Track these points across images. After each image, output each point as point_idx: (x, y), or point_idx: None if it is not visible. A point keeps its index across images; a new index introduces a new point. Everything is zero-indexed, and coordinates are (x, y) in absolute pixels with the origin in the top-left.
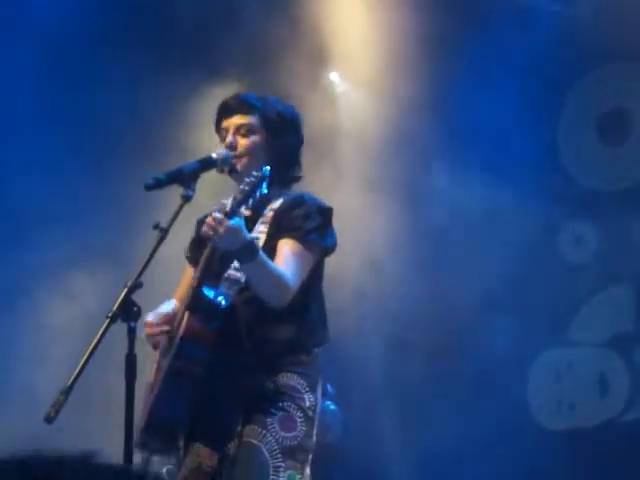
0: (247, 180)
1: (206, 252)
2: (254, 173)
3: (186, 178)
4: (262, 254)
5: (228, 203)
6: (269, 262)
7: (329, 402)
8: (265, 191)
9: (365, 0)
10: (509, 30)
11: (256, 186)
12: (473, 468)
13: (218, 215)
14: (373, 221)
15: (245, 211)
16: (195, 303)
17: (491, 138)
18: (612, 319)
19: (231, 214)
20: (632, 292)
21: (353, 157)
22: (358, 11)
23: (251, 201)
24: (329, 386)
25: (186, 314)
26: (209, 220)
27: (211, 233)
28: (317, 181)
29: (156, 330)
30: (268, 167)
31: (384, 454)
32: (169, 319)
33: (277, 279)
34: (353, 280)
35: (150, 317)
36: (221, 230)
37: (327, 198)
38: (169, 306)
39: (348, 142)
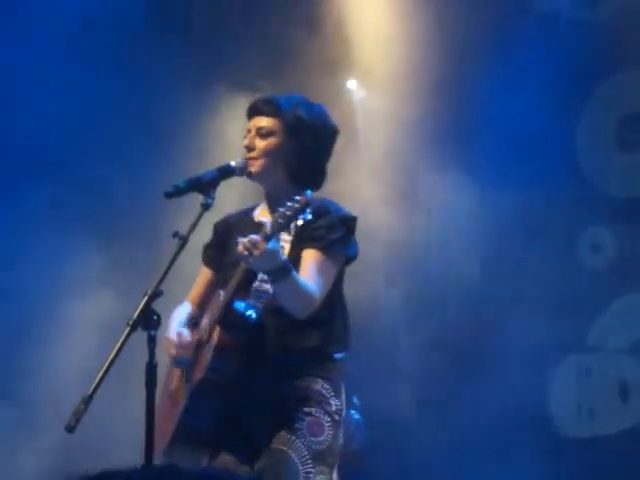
0: (289, 204)
1: (239, 271)
2: (297, 198)
3: (205, 186)
4: (294, 272)
5: (260, 215)
6: (298, 278)
7: (354, 411)
8: (309, 217)
9: (385, 7)
10: (529, 37)
11: (299, 212)
12: (489, 472)
13: (255, 237)
14: (394, 227)
15: (285, 235)
16: (226, 317)
17: (511, 144)
18: (632, 325)
19: (270, 237)
20: None
21: (372, 164)
22: (378, 18)
23: (293, 227)
24: (355, 397)
25: (217, 328)
26: (245, 241)
27: (246, 254)
28: (337, 187)
29: (181, 352)
30: (309, 191)
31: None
32: (191, 342)
33: (303, 293)
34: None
35: (172, 336)
36: (257, 253)
37: (347, 204)
38: (185, 313)
39: (367, 149)
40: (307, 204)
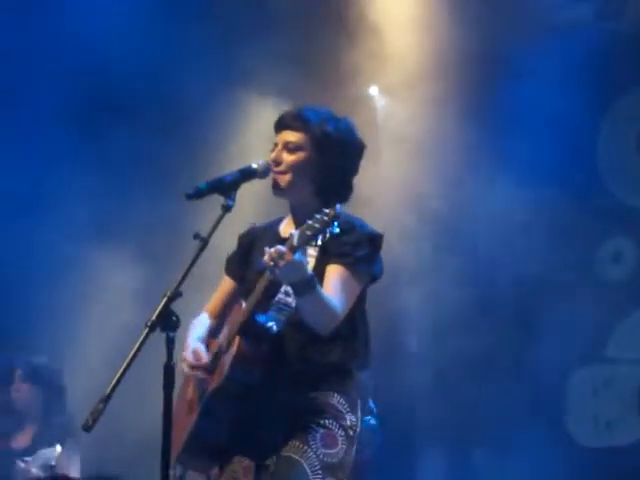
0: (317, 217)
1: (263, 282)
2: (325, 211)
3: (226, 188)
4: (318, 287)
5: (285, 228)
6: (322, 293)
7: (369, 417)
8: (336, 231)
9: (407, 15)
10: (551, 46)
11: (327, 225)
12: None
13: (282, 248)
14: (416, 232)
15: (310, 249)
16: (246, 328)
17: (531, 153)
18: None
19: (296, 249)
20: None
21: (395, 169)
22: (400, 25)
23: (320, 239)
24: (371, 402)
25: (237, 338)
26: (272, 251)
27: (271, 264)
28: (358, 194)
29: (196, 372)
30: (338, 205)
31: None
32: (207, 365)
33: (327, 309)
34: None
35: (189, 355)
36: (282, 263)
37: (368, 211)
38: (203, 326)
39: (389, 154)
40: (336, 217)
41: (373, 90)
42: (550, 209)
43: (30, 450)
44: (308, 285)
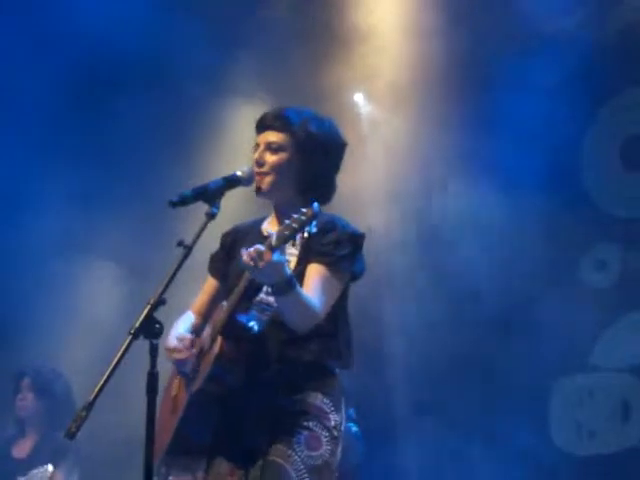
0: (295, 216)
1: (243, 282)
2: (303, 210)
3: (211, 195)
4: (298, 287)
5: (267, 228)
6: (302, 293)
7: (351, 424)
8: (314, 230)
9: (395, 22)
10: (535, 56)
11: (305, 224)
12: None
13: (261, 248)
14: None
15: (291, 248)
16: (228, 328)
17: (514, 160)
18: (634, 345)
19: (275, 248)
20: None
21: (378, 176)
22: (387, 32)
23: (298, 238)
24: (351, 409)
25: (219, 338)
26: (251, 251)
27: (252, 264)
28: (340, 198)
29: (182, 356)
30: (316, 204)
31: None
32: (193, 342)
33: (307, 308)
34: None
35: (173, 341)
36: (262, 264)
37: (351, 214)
38: (187, 322)
39: (373, 161)
40: (314, 216)
41: (358, 97)
42: (534, 216)
43: (27, 462)
44: (287, 285)
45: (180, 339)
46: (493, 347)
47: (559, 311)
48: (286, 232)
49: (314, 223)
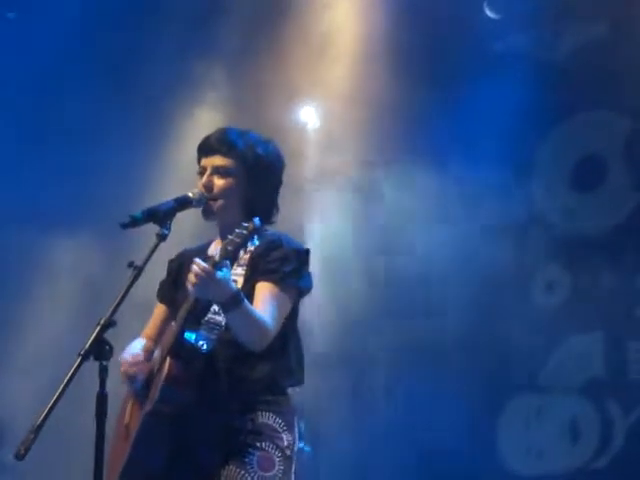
0: (237, 231)
1: (189, 301)
2: (244, 224)
3: (162, 217)
4: (246, 302)
5: (213, 250)
6: (251, 309)
7: (302, 443)
8: (256, 243)
9: (350, 33)
10: (487, 77)
11: (247, 239)
12: None
13: (205, 265)
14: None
15: (237, 268)
16: (177, 348)
17: (466, 181)
18: (583, 365)
19: (219, 265)
20: (601, 338)
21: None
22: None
23: (241, 254)
24: (302, 424)
25: (167, 359)
26: (196, 270)
27: (197, 283)
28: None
29: (135, 369)
30: (257, 219)
31: None
32: (144, 358)
33: (257, 325)
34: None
35: (126, 356)
36: (205, 280)
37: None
38: (139, 344)
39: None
40: (255, 230)
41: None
42: (484, 234)
43: None
44: (234, 301)
45: (134, 355)
46: (447, 365)
47: (509, 331)
48: (229, 247)
49: (256, 237)
